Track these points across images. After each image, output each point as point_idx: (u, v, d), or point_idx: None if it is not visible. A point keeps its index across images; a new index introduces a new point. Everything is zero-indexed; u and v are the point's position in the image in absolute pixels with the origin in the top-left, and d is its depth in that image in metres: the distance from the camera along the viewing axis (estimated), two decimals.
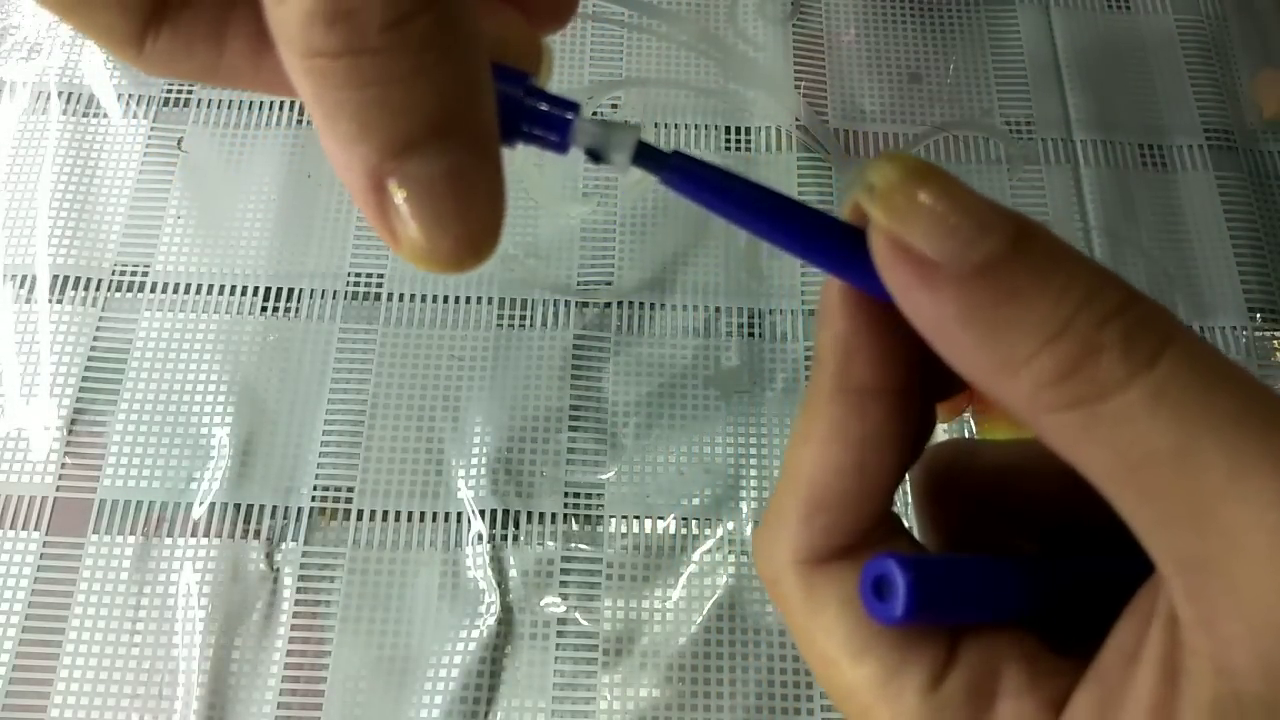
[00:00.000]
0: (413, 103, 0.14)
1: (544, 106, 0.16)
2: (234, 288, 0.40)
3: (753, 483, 0.37)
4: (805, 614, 0.17)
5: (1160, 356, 0.13)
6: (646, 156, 0.16)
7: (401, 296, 0.40)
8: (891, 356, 0.17)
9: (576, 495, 0.37)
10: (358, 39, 0.13)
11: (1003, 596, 0.17)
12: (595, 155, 0.16)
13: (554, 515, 0.36)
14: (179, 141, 0.43)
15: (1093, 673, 0.15)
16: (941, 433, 0.38)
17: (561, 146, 0.16)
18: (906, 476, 0.18)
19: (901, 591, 0.15)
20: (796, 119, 0.44)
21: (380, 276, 0.40)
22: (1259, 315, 0.41)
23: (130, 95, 0.43)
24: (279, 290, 0.40)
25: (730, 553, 0.36)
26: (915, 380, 0.17)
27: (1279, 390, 0.16)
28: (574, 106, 0.16)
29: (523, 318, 0.40)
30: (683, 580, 0.36)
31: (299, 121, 0.43)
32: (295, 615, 0.35)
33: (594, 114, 0.44)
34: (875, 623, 0.16)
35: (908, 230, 0.14)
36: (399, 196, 0.14)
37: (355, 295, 0.40)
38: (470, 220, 0.15)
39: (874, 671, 0.16)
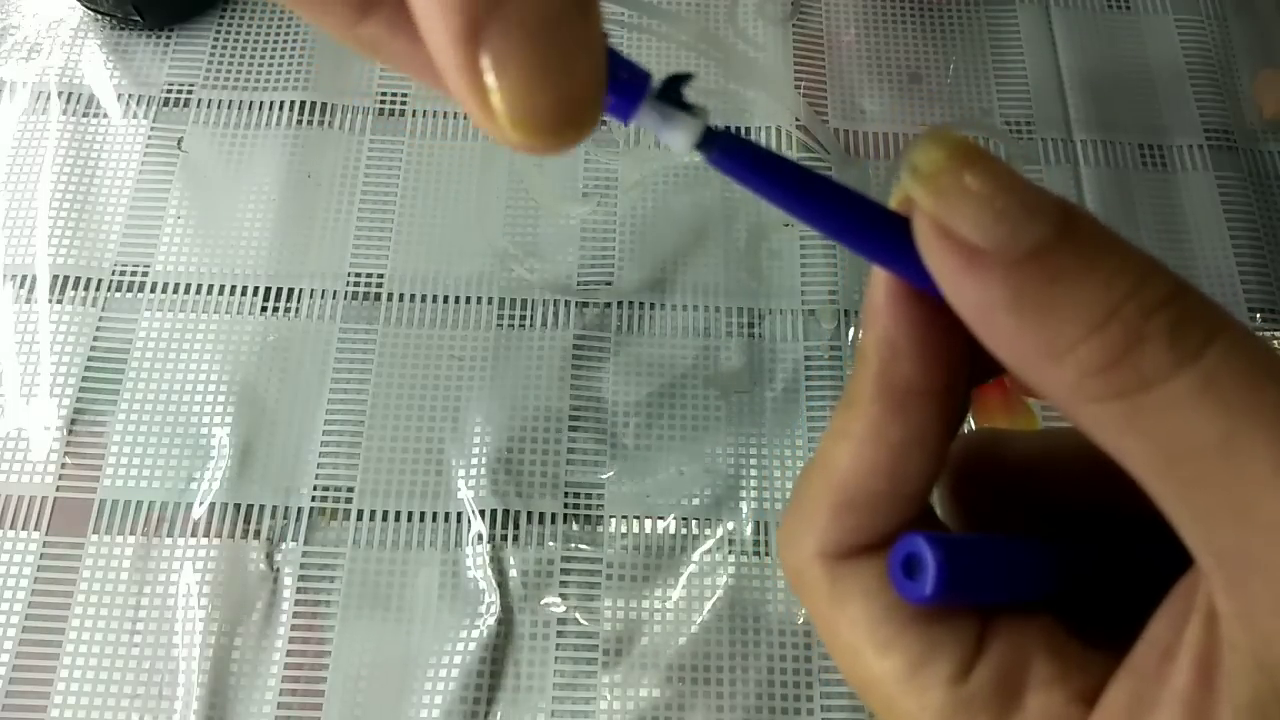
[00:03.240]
0: None
1: (621, 73, 0.15)
2: (234, 288, 0.40)
3: (753, 483, 0.37)
4: (830, 605, 0.17)
5: (1208, 348, 0.13)
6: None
7: (401, 296, 0.40)
8: (936, 358, 0.16)
9: (576, 495, 0.37)
10: None
11: (1031, 577, 0.17)
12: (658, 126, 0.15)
13: (554, 515, 0.36)
14: (179, 141, 0.43)
15: (1127, 667, 0.15)
16: None
17: (624, 116, 0.15)
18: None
19: (931, 569, 0.15)
20: (796, 119, 0.44)
21: (380, 276, 0.40)
22: (1259, 315, 0.41)
23: (130, 95, 0.43)
24: (279, 290, 0.40)
25: (730, 553, 0.36)
26: (958, 382, 0.17)
27: None
28: (647, 77, 0.15)
29: (523, 318, 0.40)
30: (683, 580, 0.36)
31: (299, 121, 0.43)
32: (295, 615, 0.35)
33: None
34: (904, 602, 0.16)
35: (953, 214, 0.14)
36: (497, 46, 0.13)
37: (355, 295, 0.40)
38: (574, 75, 0.13)
39: (899, 663, 0.16)
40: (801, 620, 0.35)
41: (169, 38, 0.45)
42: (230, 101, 0.44)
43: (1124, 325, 0.13)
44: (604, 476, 0.37)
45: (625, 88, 0.15)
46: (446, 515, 0.36)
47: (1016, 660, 0.16)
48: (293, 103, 0.44)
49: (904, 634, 0.16)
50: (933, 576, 0.15)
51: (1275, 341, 0.41)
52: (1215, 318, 0.13)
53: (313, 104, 0.44)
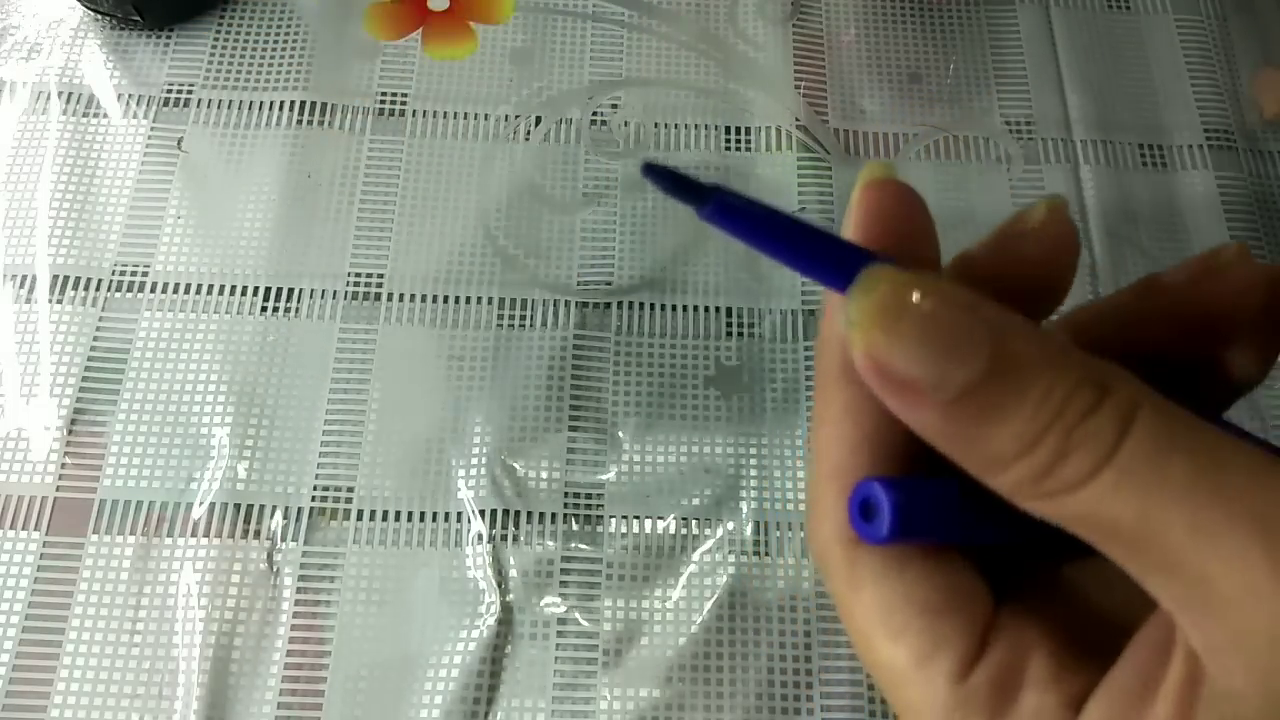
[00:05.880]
0: None
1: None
2: (234, 288, 0.40)
3: (753, 483, 0.37)
4: (846, 590, 0.18)
5: (1123, 442, 0.15)
6: (685, 189, 0.16)
7: (401, 296, 0.40)
8: None
9: (576, 495, 0.37)
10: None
11: (989, 523, 0.18)
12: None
13: (554, 515, 0.36)
14: (179, 141, 0.43)
15: (1108, 684, 0.16)
16: None
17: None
18: None
19: (886, 512, 0.16)
20: (796, 119, 0.44)
21: (380, 276, 0.40)
22: None
23: (130, 95, 0.43)
24: (279, 290, 0.40)
25: (730, 553, 0.36)
26: None
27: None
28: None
29: (523, 318, 0.40)
30: (683, 580, 0.36)
31: (299, 121, 0.43)
32: (295, 615, 0.35)
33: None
34: (914, 594, 0.17)
35: (888, 360, 0.15)
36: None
37: (355, 295, 0.40)
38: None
39: (907, 653, 0.17)
40: (802, 620, 0.35)
41: (169, 38, 0.45)
42: (230, 101, 0.44)
43: (1050, 447, 0.15)
44: (604, 476, 0.37)
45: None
46: (446, 515, 0.36)
47: (1016, 658, 0.17)
48: (293, 103, 0.43)
49: (912, 625, 0.17)
50: (888, 519, 0.16)
51: None
52: (1131, 405, 0.15)
53: (313, 104, 0.44)
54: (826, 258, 0.16)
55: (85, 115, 0.43)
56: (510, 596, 0.35)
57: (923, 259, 0.19)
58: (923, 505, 0.17)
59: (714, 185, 0.16)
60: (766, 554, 0.36)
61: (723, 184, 0.16)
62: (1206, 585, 0.14)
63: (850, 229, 0.18)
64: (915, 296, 0.15)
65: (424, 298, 0.40)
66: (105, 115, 0.43)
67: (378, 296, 0.40)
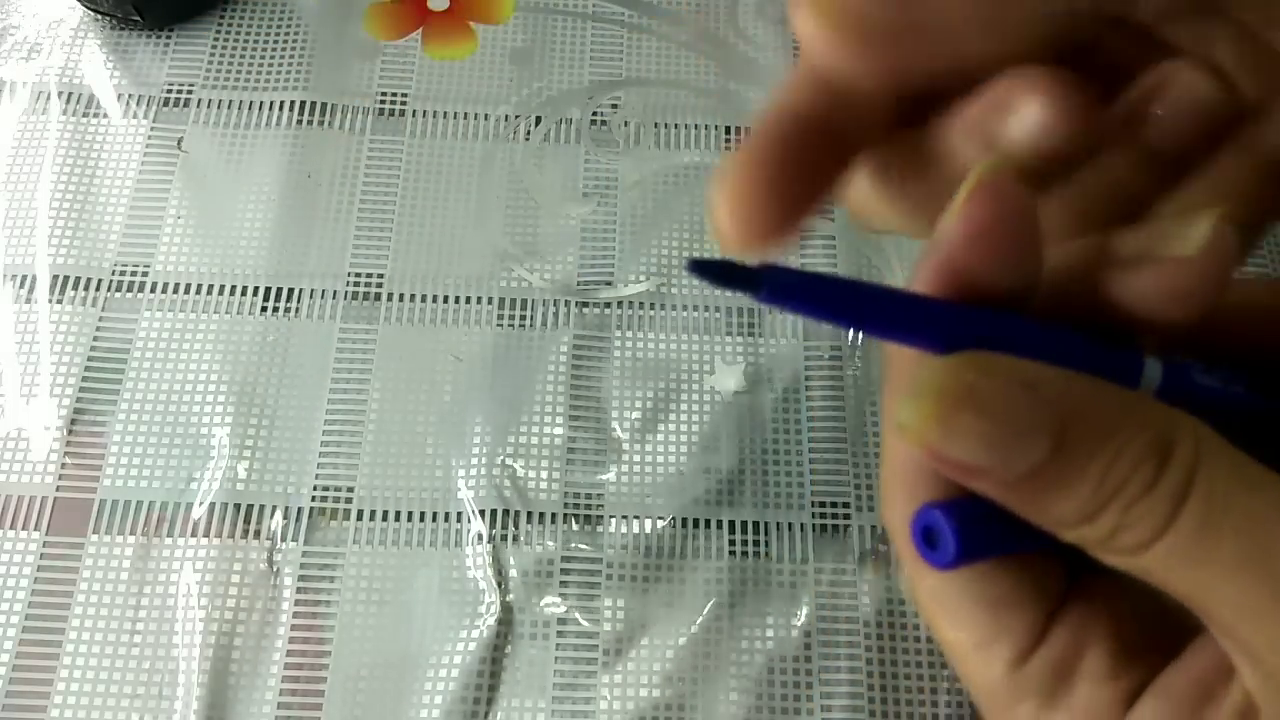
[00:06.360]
0: None
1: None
2: (234, 288, 0.40)
3: (753, 483, 0.37)
4: (914, 572, 0.18)
5: (1176, 518, 0.15)
6: (735, 279, 0.16)
7: (401, 296, 0.40)
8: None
9: (576, 495, 0.37)
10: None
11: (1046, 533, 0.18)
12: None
13: (554, 515, 0.36)
14: (179, 141, 0.43)
15: (1159, 690, 0.17)
16: None
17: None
18: None
19: (950, 540, 0.16)
20: None
21: (380, 276, 0.40)
22: None
23: (130, 95, 0.43)
24: (279, 290, 0.40)
25: (730, 553, 0.36)
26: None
27: None
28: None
29: (523, 318, 0.40)
30: (683, 580, 0.36)
31: (299, 121, 0.43)
32: (295, 615, 0.35)
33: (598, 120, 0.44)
34: (976, 583, 0.18)
35: (950, 453, 0.15)
36: None
37: (355, 295, 0.40)
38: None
39: (968, 638, 0.18)
40: (801, 620, 0.35)
41: (169, 38, 0.45)
42: (230, 101, 0.44)
43: (1110, 518, 0.15)
44: (604, 476, 0.37)
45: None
46: (446, 515, 0.36)
47: (1074, 649, 0.17)
48: (293, 103, 0.43)
49: (973, 614, 0.18)
50: (952, 546, 0.16)
51: None
52: (1188, 474, 0.15)
53: (313, 104, 0.44)
54: (896, 320, 0.16)
55: (85, 115, 0.43)
56: (510, 596, 0.35)
57: (1020, 287, 0.17)
58: (985, 528, 0.17)
59: (763, 266, 0.15)
60: (767, 554, 0.36)
61: (773, 262, 0.15)
62: (1254, 652, 0.15)
63: (946, 245, 0.17)
64: (973, 386, 0.15)
65: (424, 298, 0.40)
66: (105, 115, 0.43)
67: (378, 296, 0.40)
